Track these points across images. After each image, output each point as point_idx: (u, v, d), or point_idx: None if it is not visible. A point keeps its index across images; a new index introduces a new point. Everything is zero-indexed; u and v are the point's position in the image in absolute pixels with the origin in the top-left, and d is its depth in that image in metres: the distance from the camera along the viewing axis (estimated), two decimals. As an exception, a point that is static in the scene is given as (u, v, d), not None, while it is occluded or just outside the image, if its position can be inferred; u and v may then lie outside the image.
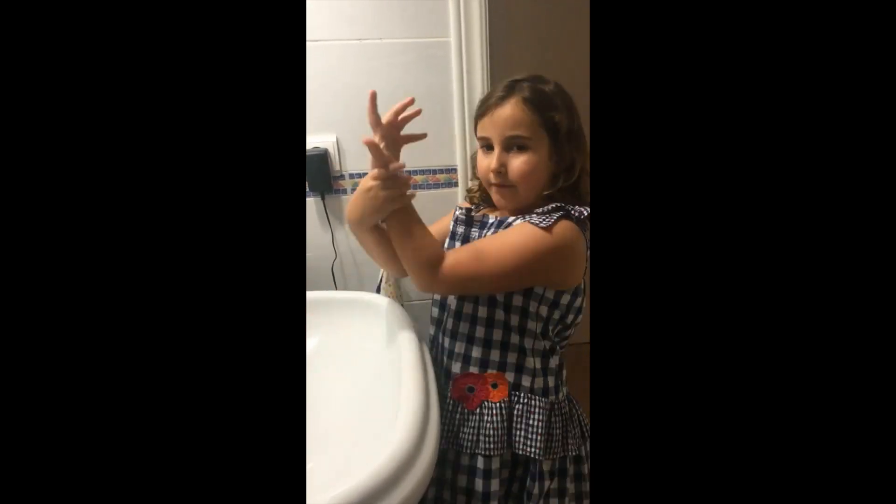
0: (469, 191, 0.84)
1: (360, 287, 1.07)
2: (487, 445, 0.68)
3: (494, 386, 0.70)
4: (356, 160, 1.01)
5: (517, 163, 0.67)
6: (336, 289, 1.06)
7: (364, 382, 0.76)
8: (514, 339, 0.69)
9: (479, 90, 0.97)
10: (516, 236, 0.65)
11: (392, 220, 0.66)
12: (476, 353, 0.70)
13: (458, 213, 0.77)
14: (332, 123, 0.98)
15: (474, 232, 0.74)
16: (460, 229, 0.75)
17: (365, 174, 1.01)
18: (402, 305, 0.85)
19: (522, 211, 0.70)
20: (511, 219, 0.69)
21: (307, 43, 0.93)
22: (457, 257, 0.64)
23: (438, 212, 1.06)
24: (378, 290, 0.95)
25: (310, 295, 0.87)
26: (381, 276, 0.96)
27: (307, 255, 1.04)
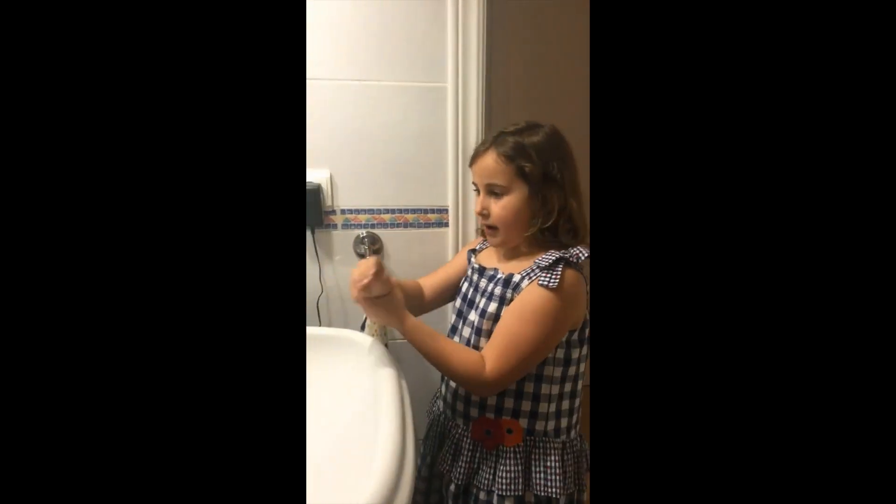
0: (479, 230, 0.91)
1: (345, 323, 1.05)
2: (503, 485, 0.74)
3: (509, 431, 0.76)
4: (348, 196, 1.02)
5: (496, 208, 0.75)
6: (320, 324, 1.04)
7: (343, 421, 0.74)
8: (528, 387, 0.75)
9: (473, 134, 0.99)
10: (533, 307, 0.70)
11: (419, 346, 0.72)
12: (491, 400, 0.76)
13: (472, 262, 0.86)
14: (326, 159, 0.99)
15: (483, 282, 0.81)
16: (474, 277, 0.83)
17: (356, 210, 1.03)
18: (386, 344, 0.84)
19: (512, 248, 0.79)
20: (517, 277, 0.74)
21: (311, 80, 0.95)
22: (496, 357, 0.70)
23: (429, 251, 1.07)
24: (363, 328, 0.94)
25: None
26: (366, 317, 0.95)
27: (293, 288, 1.03)
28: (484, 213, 0.77)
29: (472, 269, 0.85)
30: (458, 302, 0.85)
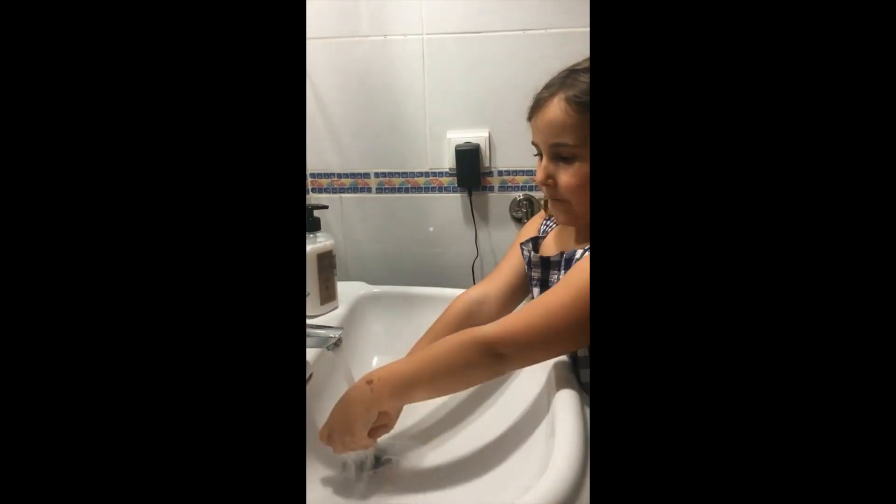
0: (544, 205, 0.73)
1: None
2: None
3: None
4: (506, 156, 0.97)
5: (565, 176, 0.56)
6: (474, 288, 1.03)
7: (510, 400, 0.72)
8: None
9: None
10: (581, 269, 0.52)
11: (412, 388, 0.55)
12: None
13: (531, 258, 0.67)
14: (486, 118, 0.95)
15: (554, 276, 0.63)
16: (537, 273, 0.66)
17: (514, 171, 0.98)
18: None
19: (578, 224, 0.62)
20: (579, 252, 0.58)
21: (465, 34, 0.91)
22: (502, 319, 0.54)
23: None
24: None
25: (449, 292, 0.85)
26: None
27: (451, 250, 1.03)
28: (549, 183, 0.58)
29: (533, 264, 0.66)
30: None
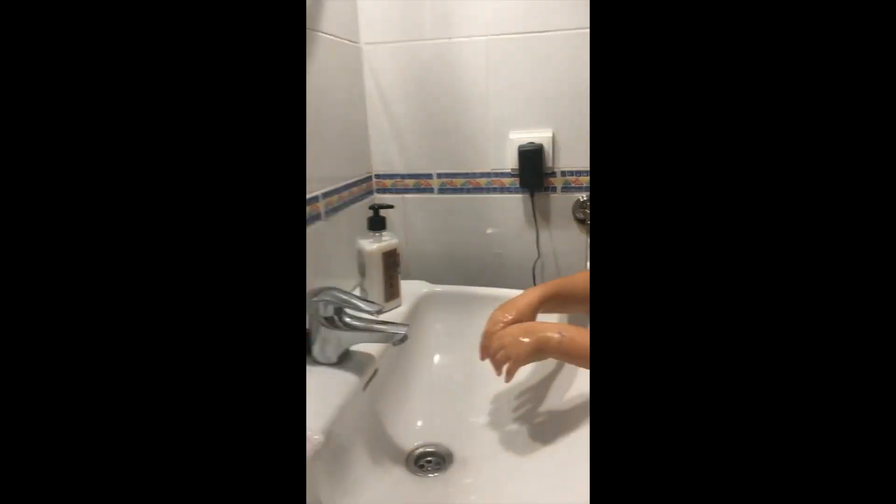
0: None
1: (560, 290, 1.02)
2: None
3: None
4: (569, 157, 0.96)
5: None
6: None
7: (566, 402, 0.71)
8: None
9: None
10: None
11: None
12: None
13: None
14: (551, 118, 0.94)
15: None
16: None
17: (578, 172, 0.97)
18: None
19: None
20: None
21: (529, 34, 0.90)
22: None
23: None
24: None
25: (510, 293, 0.85)
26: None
27: (512, 251, 1.03)
28: None
29: None
30: None
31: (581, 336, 0.61)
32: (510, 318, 0.67)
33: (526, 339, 0.62)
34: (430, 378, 0.82)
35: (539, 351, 0.62)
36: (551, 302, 0.71)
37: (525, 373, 0.79)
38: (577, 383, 0.71)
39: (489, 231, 1.03)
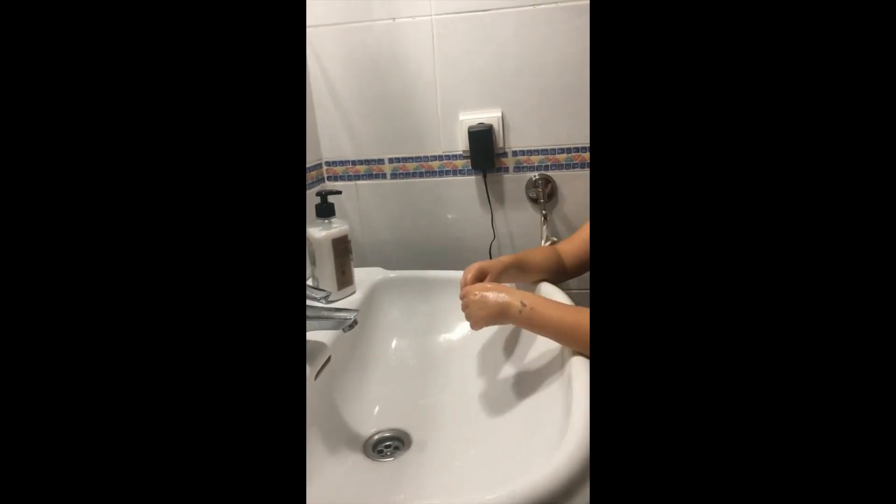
0: None
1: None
2: None
3: None
4: (520, 137, 0.96)
5: None
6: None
7: (518, 367, 0.72)
8: None
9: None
10: None
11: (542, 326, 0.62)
12: None
13: None
14: (498, 98, 0.94)
15: None
16: None
17: (529, 151, 0.97)
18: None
19: None
20: None
21: (473, 13, 0.89)
22: None
23: (582, 196, 0.96)
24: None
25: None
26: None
27: (467, 233, 1.02)
28: None
29: None
30: None
31: (542, 306, 0.62)
32: (471, 275, 0.69)
33: (490, 300, 0.64)
34: (387, 363, 0.81)
35: (501, 316, 0.63)
36: (513, 269, 0.74)
37: (482, 343, 0.80)
38: (533, 353, 0.71)
39: (450, 216, 1.02)
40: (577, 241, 0.81)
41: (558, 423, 0.51)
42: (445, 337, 0.84)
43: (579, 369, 0.56)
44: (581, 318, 0.58)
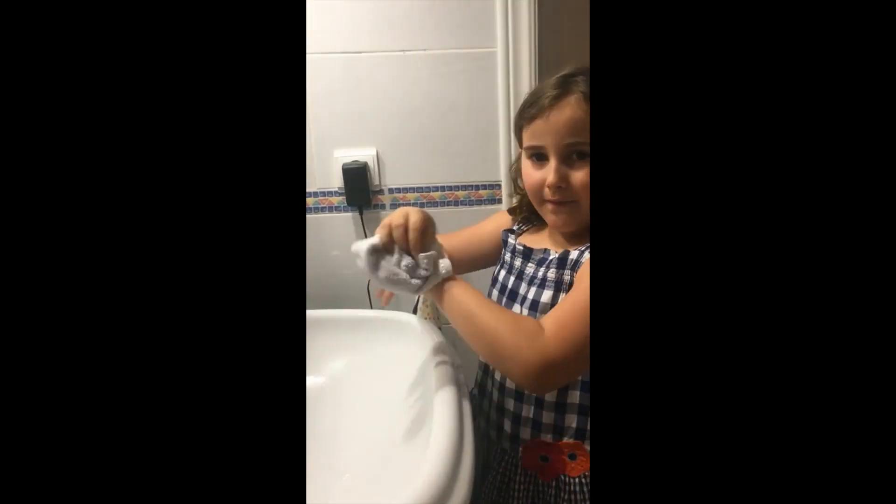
0: (511, 210, 0.74)
1: (397, 307, 1.02)
2: None
3: (572, 457, 0.59)
4: (396, 174, 0.97)
5: (581, 175, 0.57)
6: (371, 308, 1.01)
7: (393, 409, 0.71)
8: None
9: (526, 102, 0.92)
10: None
11: (458, 314, 0.55)
12: (548, 418, 0.60)
13: (512, 242, 0.68)
14: (372, 136, 0.95)
15: (529, 268, 0.63)
16: (516, 262, 0.66)
17: (405, 189, 0.99)
18: (440, 328, 0.79)
19: (579, 230, 0.62)
20: (574, 254, 0.59)
21: (350, 54, 0.91)
22: (557, 322, 0.51)
23: None
24: (415, 311, 0.90)
25: (342, 313, 0.83)
26: (419, 297, 0.90)
27: (342, 272, 1.01)
28: (561, 186, 0.57)
29: (513, 252, 0.66)
30: (495, 295, 0.68)
31: (466, 291, 0.56)
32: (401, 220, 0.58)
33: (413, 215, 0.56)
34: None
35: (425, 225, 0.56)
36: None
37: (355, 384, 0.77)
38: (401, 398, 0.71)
39: (335, 253, 1.00)
40: (462, 239, 0.76)
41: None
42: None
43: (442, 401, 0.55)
44: (497, 314, 0.53)
